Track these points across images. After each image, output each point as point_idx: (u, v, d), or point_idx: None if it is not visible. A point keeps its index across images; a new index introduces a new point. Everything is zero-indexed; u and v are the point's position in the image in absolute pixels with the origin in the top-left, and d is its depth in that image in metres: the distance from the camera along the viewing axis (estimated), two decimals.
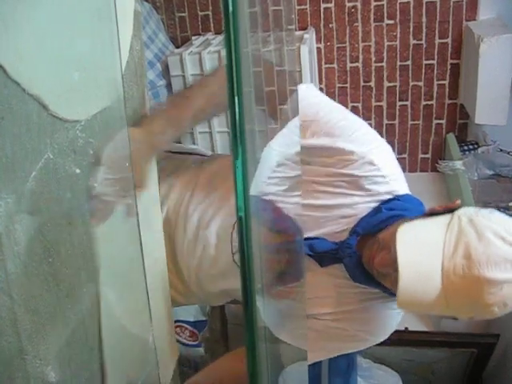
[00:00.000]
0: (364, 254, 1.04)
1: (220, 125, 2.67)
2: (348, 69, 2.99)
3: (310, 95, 1.13)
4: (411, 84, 2.97)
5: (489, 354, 2.14)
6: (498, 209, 2.20)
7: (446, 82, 2.95)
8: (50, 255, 0.74)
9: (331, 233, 1.07)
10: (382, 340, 1.15)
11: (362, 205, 1.07)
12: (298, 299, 1.10)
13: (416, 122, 3.01)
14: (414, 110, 3.00)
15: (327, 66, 3.00)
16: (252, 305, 0.50)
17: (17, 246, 0.67)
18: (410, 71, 2.94)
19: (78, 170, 0.79)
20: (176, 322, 2.17)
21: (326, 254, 1.07)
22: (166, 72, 2.72)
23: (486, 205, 2.31)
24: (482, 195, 2.43)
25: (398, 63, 2.93)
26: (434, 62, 2.92)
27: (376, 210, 1.07)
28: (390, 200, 1.08)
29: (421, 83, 2.96)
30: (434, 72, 2.94)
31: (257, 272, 0.46)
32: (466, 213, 0.95)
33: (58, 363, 0.73)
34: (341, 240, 1.07)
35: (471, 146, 2.86)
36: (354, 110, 3.01)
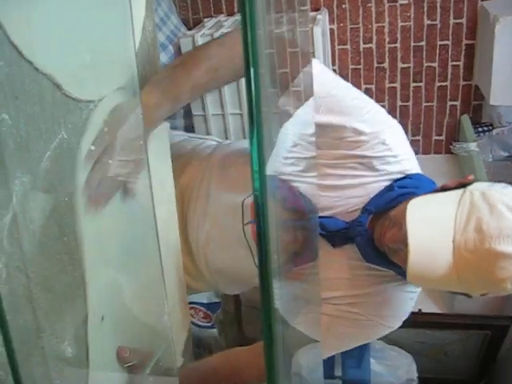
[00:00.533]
0: (375, 232, 1.04)
1: (233, 107, 2.66)
2: (361, 50, 2.97)
3: (324, 72, 1.13)
4: (425, 65, 2.94)
5: (502, 336, 2.14)
6: None
7: (461, 63, 2.92)
8: (64, 234, 0.74)
9: (343, 212, 1.07)
10: (395, 327, 1.14)
11: (373, 184, 1.07)
12: (313, 281, 1.09)
13: (430, 104, 2.98)
14: (428, 92, 2.97)
15: (340, 47, 2.98)
16: (269, 284, 0.50)
17: (32, 225, 0.68)
18: (424, 52, 2.91)
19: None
20: (190, 303, 2.18)
21: (337, 234, 1.07)
22: (178, 54, 2.71)
23: None
24: (497, 177, 2.41)
25: (412, 44, 2.90)
26: (449, 42, 2.88)
27: (388, 188, 1.06)
28: (401, 178, 1.07)
29: (435, 64, 2.93)
30: (448, 53, 2.91)
31: (273, 252, 0.46)
32: (478, 187, 0.94)
33: (74, 340, 0.74)
34: (352, 219, 1.06)
35: (486, 128, 2.83)
36: (368, 92, 2.99)
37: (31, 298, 0.68)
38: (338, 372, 1.87)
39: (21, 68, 0.67)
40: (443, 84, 2.96)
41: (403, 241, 0.93)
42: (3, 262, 0.63)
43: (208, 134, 2.69)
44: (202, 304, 2.33)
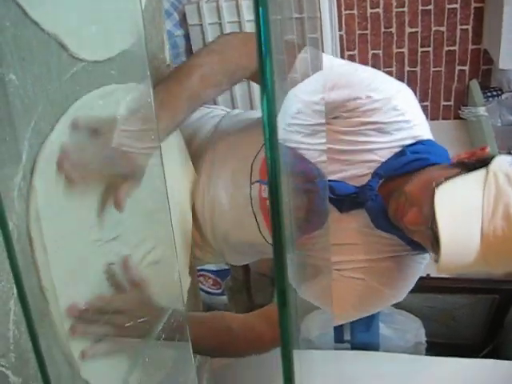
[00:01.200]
0: (390, 206, 1.01)
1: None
2: (368, 15, 2.93)
3: (335, 64, 1.11)
4: (433, 29, 2.90)
5: (510, 300, 2.15)
6: None
7: (470, 27, 2.88)
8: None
9: (353, 177, 1.06)
10: (401, 298, 1.13)
11: (385, 150, 1.06)
12: (323, 249, 1.09)
13: (438, 69, 2.95)
14: (437, 57, 2.94)
15: (347, 12, 2.94)
16: (282, 251, 0.50)
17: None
18: (432, 16, 2.87)
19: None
20: (199, 270, 2.20)
21: (346, 198, 1.06)
22: (183, 22, 2.68)
23: (509, 151, 2.28)
24: (506, 141, 2.39)
25: (420, 8, 2.86)
26: (457, 5, 2.84)
27: (400, 154, 1.05)
28: (413, 144, 1.06)
29: (443, 28, 2.89)
30: (456, 16, 2.86)
31: (285, 216, 0.46)
32: (501, 167, 0.91)
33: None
34: (362, 184, 1.05)
35: (495, 93, 2.80)
36: (375, 57, 2.96)
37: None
38: (347, 336, 1.89)
39: (27, 29, 0.66)
40: (451, 48, 2.92)
41: (425, 222, 0.92)
42: (14, 223, 0.64)
43: (214, 103, 2.68)
44: (211, 271, 2.35)
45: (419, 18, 2.89)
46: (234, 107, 2.69)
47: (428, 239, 0.93)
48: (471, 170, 0.94)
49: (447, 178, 0.93)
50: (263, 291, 2.51)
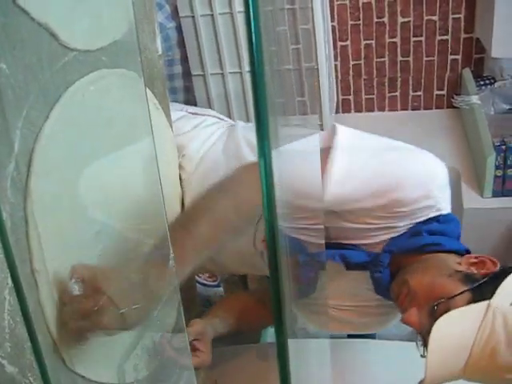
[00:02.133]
0: (392, 288, 1.05)
1: (232, 66, 2.63)
2: (360, 5, 2.92)
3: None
4: (425, 18, 2.89)
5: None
6: None
7: (462, 16, 2.88)
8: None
9: (368, 243, 1.07)
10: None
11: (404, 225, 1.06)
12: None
13: (431, 58, 2.95)
14: (429, 46, 2.93)
15: (339, 2, 2.93)
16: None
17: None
18: (424, 5, 2.87)
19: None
20: None
21: (354, 265, 1.09)
22: (175, 14, 2.67)
23: (503, 139, 2.28)
24: (499, 130, 2.39)
25: None
26: None
27: (415, 233, 1.05)
28: (430, 221, 1.06)
29: (435, 17, 2.89)
30: (448, 6, 2.86)
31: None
32: (501, 306, 0.90)
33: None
34: (375, 251, 1.07)
35: (487, 81, 2.81)
36: (368, 48, 2.96)
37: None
38: None
39: (17, 18, 0.66)
40: (444, 38, 2.92)
41: (420, 329, 0.97)
42: (8, 212, 0.64)
43: (208, 95, 2.67)
44: None
45: (411, 7, 2.88)
46: (227, 100, 2.69)
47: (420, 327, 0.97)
48: (475, 283, 0.95)
49: (449, 298, 0.94)
50: (259, 283, 2.52)
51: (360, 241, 1.07)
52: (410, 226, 1.05)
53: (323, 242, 1.03)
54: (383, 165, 1.03)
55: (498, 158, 2.22)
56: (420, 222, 1.05)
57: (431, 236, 1.05)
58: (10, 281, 0.62)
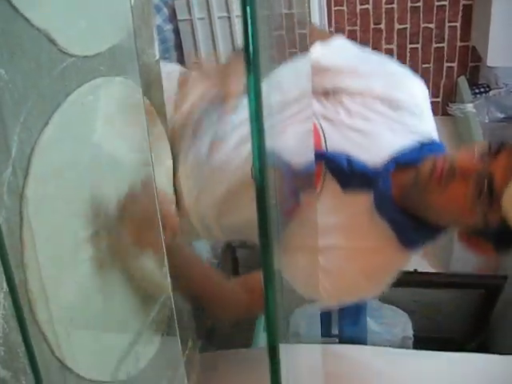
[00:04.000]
0: (422, 168, 1.02)
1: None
2: (358, 11, 2.94)
3: (347, 47, 1.21)
4: (422, 26, 2.91)
5: (496, 294, 2.18)
6: None
7: (458, 24, 2.90)
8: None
9: (369, 160, 1.08)
10: (376, 294, 1.18)
11: (402, 139, 1.09)
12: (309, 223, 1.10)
13: (427, 65, 2.97)
14: (425, 53, 2.95)
15: (337, 8, 2.95)
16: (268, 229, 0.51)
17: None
18: (421, 13, 2.89)
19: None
20: None
21: (356, 176, 1.07)
22: (173, 16, 2.68)
23: None
24: (493, 138, 2.41)
25: (409, 4, 2.88)
26: (446, 2, 2.85)
27: (417, 147, 1.08)
28: (429, 144, 1.09)
29: (432, 25, 2.90)
30: (445, 13, 2.88)
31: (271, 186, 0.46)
32: None
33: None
34: (377, 167, 1.07)
35: (482, 89, 2.82)
36: None
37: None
38: (334, 330, 1.90)
39: (16, 24, 0.66)
40: (440, 45, 2.94)
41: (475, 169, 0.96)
42: (4, 217, 0.64)
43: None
44: None
45: (408, 14, 2.90)
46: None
47: (474, 183, 0.95)
48: None
49: None
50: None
51: (362, 156, 1.08)
52: (409, 141, 1.09)
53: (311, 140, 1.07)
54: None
55: None
56: (420, 143, 1.09)
57: (433, 151, 1.07)
58: (5, 285, 0.63)
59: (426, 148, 1.07)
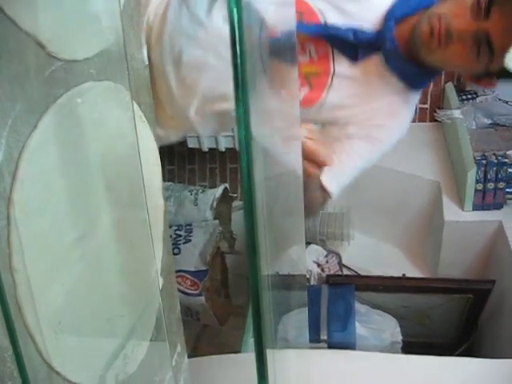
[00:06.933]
0: (420, 29, 1.08)
1: None
2: None
3: None
4: None
5: (484, 299, 2.19)
6: (496, 157, 2.21)
7: None
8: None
9: (368, 26, 1.14)
10: (403, 132, 1.26)
11: None
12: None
13: None
14: None
15: None
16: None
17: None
18: None
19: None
20: (177, 271, 2.20)
21: (363, 44, 1.13)
22: None
23: (483, 153, 2.31)
24: (480, 144, 2.43)
25: None
26: None
27: None
28: None
29: None
30: None
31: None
32: None
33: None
34: (377, 29, 1.13)
35: (470, 96, 2.84)
36: None
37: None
38: (323, 336, 1.91)
39: (4, 27, 0.66)
40: None
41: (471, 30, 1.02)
42: None
43: None
44: (189, 272, 2.35)
45: None
46: None
47: (472, 44, 1.02)
48: None
49: None
50: (241, 291, 2.52)
51: (360, 22, 1.13)
52: None
53: None
54: None
55: (478, 172, 2.25)
56: None
57: None
58: None
59: None
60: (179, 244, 2.40)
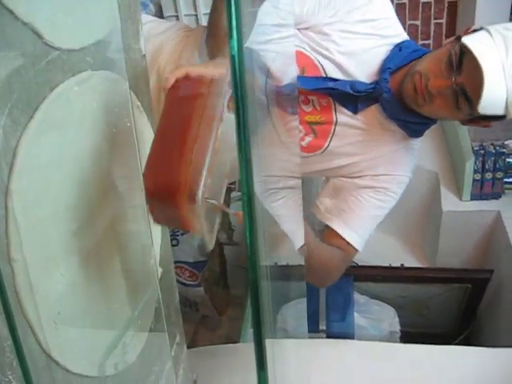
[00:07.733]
0: (406, 88, 1.17)
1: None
2: None
3: None
4: (408, 23, 2.92)
5: (483, 289, 2.19)
6: (494, 147, 2.20)
7: (444, 21, 2.91)
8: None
9: (362, 78, 1.21)
10: (409, 177, 1.35)
11: (380, 48, 1.22)
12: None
13: None
14: None
15: None
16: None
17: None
18: (407, 10, 2.90)
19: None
20: (176, 262, 2.19)
21: (362, 95, 1.20)
22: (159, 13, 2.68)
23: (481, 143, 2.31)
24: (478, 134, 2.42)
25: (395, 1, 2.89)
26: (431, 0, 2.87)
27: (397, 49, 1.22)
28: (401, 42, 1.24)
29: (418, 22, 2.92)
30: (431, 10, 2.89)
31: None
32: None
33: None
34: (374, 80, 1.21)
35: None
36: None
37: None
38: (322, 326, 1.91)
39: (1, 16, 0.66)
40: (426, 42, 2.95)
41: (448, 83, 1.10)
42: None
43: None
44: (187, 263, 2.35)
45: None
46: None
47: (451, 98, 1.10)
48: None
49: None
50: (239, 282, 2.53)
51: (355, 76, 1.20)
52: (386, 48, 1.23)
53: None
54: None
55: (476, 162, 2.25)
56: (394, 44, 1.23)
57: (408, 48, 1.23)
58: None
59: (403, 48, 1.22)
60: (178, 235, 2.40)
